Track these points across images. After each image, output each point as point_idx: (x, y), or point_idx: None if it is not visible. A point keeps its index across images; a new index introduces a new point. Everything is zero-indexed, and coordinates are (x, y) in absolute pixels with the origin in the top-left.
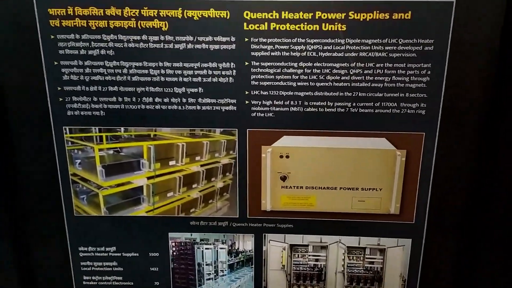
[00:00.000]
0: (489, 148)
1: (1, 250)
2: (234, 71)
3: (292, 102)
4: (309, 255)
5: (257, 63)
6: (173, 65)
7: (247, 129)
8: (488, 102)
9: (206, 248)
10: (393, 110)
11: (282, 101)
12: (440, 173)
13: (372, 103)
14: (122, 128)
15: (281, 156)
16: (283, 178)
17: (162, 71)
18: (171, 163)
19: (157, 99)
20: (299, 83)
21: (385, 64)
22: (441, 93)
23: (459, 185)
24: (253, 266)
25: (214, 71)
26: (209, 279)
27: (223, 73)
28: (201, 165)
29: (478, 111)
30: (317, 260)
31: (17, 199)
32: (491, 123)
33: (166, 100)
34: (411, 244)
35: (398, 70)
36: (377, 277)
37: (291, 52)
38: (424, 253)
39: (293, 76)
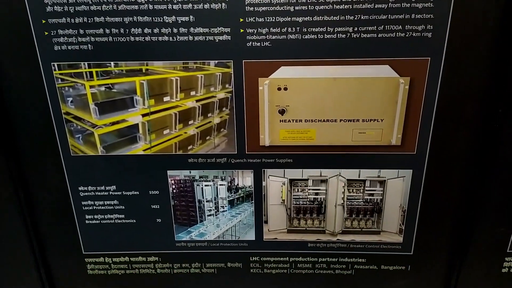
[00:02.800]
0: (499, 74)
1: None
2: None
3: (289, 29)
4: (308, 189)
5: None
6: None
7: (243, 61)
8: (501, 23)
9: (205, 185)
10: (397, 33)
11: (279, 28)
12: (445, 102)
13: (375, 26)
14: (112, 63)
15: (279, 89)
16: (282, 112)
17: None
18: (165, 99)
19: (146, 30)
20: (296, 7)
21: None
22: (449, 11)
23: (464, 114)
24: (253, 201)
25: None
26: (210, 215)
27: None
28: (197, 101)
29: (490, 33)
30: (317, 194)
31: (11, 142)
32: (502, 48)
33: (156, 31)
34: (411, 175)
35: None
36: (376, 208)
37: None
38: (425, 184)
39: None
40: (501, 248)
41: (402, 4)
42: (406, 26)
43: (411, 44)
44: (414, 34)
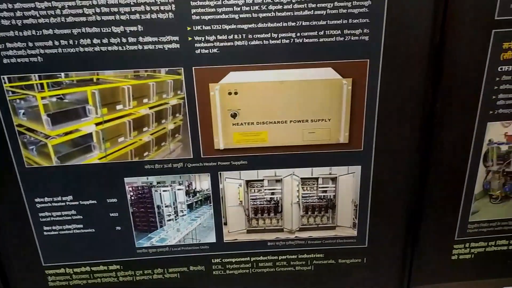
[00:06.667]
0: (434, 73)
1: None
2: (173, 5)
3: (236, 36)
4: (264, 189)
5: None
6: (108, 2)
7: (193, 67)
8: (433, 24)
9: (163, 191)
10: (337, 38)
11: (226, 35)
12: (386, 100)
13: (316, 32)
14: (63, 74)
15: (230, 93)
16: (234, 115)
17: (97, 10)
18: (118, 107)
19: (95, 41)
20: (241, 15)
21: None
22: (383, 16)
23: (405, 111)
24: (211, 204)
25: (152, 7)
26: (169, 220)
27: (162, 8)
28: (150, 108)
29: (424, 34)
30: (272, 193)
31: None
32: (436, 48)
33: (105, 41)
34: (360, 170)
35: None
36: (330, 204)
37: None
38: (373, 179)
39: (234, 8)
40: (449, 236)
41: (340, 10)
42: (345, 31)
43: (351, 47)
44: (352, 38)
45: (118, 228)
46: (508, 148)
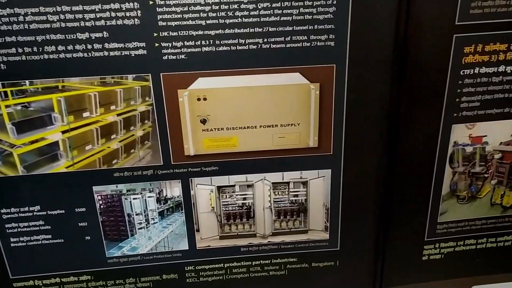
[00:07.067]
0: (398, 77)
1: None
2: (139, 11)
3: (203, 42)
4: (236, 195)
5: (162, 2)
6: (72, 9)
7: (161, 74)
8: (396, 29)
9: (134, 198)
10: (303, 43)
11: (193, 41)
12: (353, 104)
13: (283, 37)
14: (27, 82)
15: (199, 99)
16: (203, 121)
17: (62, 16)
18: (85, 114)
19: (60, 47)
20: (208, 21)
21: None
22: (347, 22)
23: (371, 114)
24: (183, 211)
25: (117, 13)
26: (140, 228)
27: (128, 14)
28: (118, 115)
29: (387, 39)
30: (244, 199)
31: None
32: (400, 52)
33: (70, 47)
34: (331, 174)
35: (305, 2)
36: (302, 208)
37: None
38: (344, 182)
39: (201, 14)
40: (419, 237)
41: (305, 16)
42: (311, 36)
43: (317, 52)
44: (318, 44)
45: (88, 237)
46: (472, 150)
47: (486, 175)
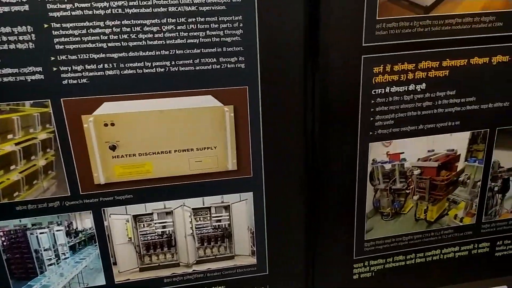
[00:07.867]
0: (309, 97)
1: None
2: (33, 35)
3: (106, 65)
4: (155, 223)
5: (58, 25)
6: None
7: (61, 99)
8: (305, 51)
9: (40, 233)
10: (213, 65)
11: (95, 65)
12: (269, 124)
13: (191, 60)
14: None
15: (106, 125)
16: (113, 148)
17: None
18: None
19: None
20: (109, 44)
21: (197, 18)
22: (256, 44)
23: (288, 134)
24: (97, 243)
25: (9, 37)
26: (50, 264)
27: (21, 38)
28: (16, 144)
29: (297, 61)
30: (164, 226)
31: None
32: (311, 73)
33: None
34: (253, 197)
35: (211, 24)
36: (226, 233)
37: (94, 10)
38: (267, 204)
39: (101, 36)
40: (348, 256)
41: (212, 38)
42: (220, 59)
43: (228, 74)
44: (229, 66)
45: None
46: (391, 167)
47: (407, 191)
